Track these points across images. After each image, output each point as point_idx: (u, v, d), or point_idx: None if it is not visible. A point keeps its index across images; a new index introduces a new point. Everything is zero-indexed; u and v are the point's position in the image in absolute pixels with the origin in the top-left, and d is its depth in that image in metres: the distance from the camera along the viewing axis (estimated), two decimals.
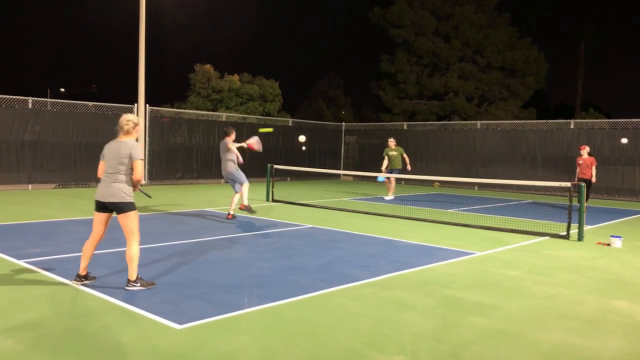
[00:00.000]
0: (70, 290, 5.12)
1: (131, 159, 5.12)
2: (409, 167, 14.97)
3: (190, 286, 5.34)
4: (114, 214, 5.27)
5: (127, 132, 5.27)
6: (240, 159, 10.00)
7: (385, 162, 14.95)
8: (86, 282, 5.32)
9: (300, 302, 4.96)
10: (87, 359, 3.58)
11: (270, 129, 14.66)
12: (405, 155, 14.94)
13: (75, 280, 5.33)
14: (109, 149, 5.25)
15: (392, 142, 14.96)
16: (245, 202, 9.95)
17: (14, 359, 3.54)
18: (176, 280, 5.54)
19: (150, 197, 6.05)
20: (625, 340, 4.21)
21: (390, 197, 14.71)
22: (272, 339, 4.01)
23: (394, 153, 14.84)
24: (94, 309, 4.59)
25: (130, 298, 4.88)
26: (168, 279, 5.59)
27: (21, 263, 6.12)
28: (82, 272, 5.33)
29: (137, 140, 5.38)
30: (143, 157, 5.25)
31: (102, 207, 5.22)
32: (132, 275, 5.16)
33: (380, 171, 15.06)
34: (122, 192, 5.12)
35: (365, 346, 3.91)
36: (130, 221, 5.16)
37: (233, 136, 10.02)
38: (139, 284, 5.16)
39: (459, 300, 5.14)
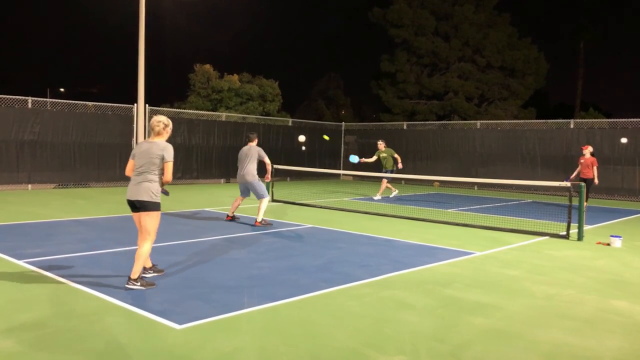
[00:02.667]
0: (70, 290, 5.12)
1: (162, 160, 5.19)
2: (400, 166, 14.99)
3: (190, 286, 5.34)
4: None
5: (158, 133, 5.35)
6: (269, 176, 9.71)
7: (373, 158, 15.07)
8: (153, 274, 5.58)
9: (301, 302, 4.96)
10: (87, 359, 3.58)
11: (327, 137, 15.35)
12: (396, 155, 14.95)
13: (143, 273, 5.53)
14: (140, 149, 5.31)
15: (381, 144, 15.04)
16: (259, 219, 9.27)
17: (15, 359, 3.54)
18: (176, 281, 5.54)
19: (168, 194, 5.76)
20: (625, 340, 4.21)
21: (378, 197, 14.75)
22: (272, 339, 4.01)
23: (384, 154, 14.88)
24: (94, 309, 4.59)
25: (130, 298, 4.88)
26: (168, 279, 5.60)
27: (21, 263, 6.12)
28: (147, 265, 5.58)
29: (167, 140, 5.43)
30: (173, 160, 5.29)
31: (133, 206, 5.30)
32: (135, 274, 5.16)
33: (366, 164, 15.29)
34: (150, 191, 5.19)
35: (365, 346, 3.91)
36: (151, 221, 5.22)
37: (256, 141, 9.56)
38: (139, 284, 5.16)
39: (459, 300, 5.15)
